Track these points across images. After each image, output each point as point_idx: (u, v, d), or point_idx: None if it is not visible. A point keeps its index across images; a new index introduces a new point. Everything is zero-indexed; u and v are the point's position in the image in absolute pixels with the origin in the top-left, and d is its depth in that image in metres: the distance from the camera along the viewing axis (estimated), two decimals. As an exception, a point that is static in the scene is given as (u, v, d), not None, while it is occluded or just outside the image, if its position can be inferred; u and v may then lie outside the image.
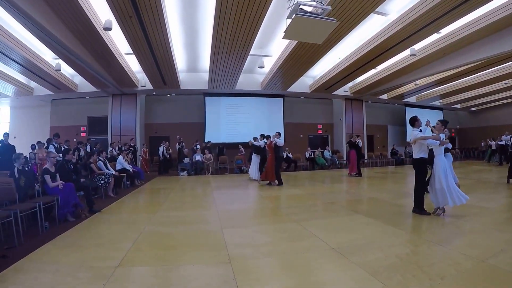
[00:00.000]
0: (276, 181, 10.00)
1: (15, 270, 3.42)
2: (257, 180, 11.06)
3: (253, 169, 11.73)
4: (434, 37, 11.73)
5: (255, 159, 11.66)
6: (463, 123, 26.76)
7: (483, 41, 11.47)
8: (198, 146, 15.13)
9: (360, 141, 13.03)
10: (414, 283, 2.91)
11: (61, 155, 7.70)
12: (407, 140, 6.21)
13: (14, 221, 4.35)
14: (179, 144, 15.11)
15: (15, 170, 5.83)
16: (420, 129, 5.93)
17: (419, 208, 5.60)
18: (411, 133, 5.83)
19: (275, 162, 10.11)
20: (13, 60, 11.48)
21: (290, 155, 16.53)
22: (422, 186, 5.64)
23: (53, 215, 5.60)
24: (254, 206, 7.23)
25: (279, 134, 10.50)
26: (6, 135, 9.45)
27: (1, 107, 18.57)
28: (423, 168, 5.70)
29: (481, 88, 18.94)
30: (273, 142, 10.18)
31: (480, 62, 13.03)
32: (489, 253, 3.56)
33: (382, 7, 9.22)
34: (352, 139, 13.12)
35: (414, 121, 5.93)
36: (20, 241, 4.35)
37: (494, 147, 17.51)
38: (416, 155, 5.72)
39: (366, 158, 19.27)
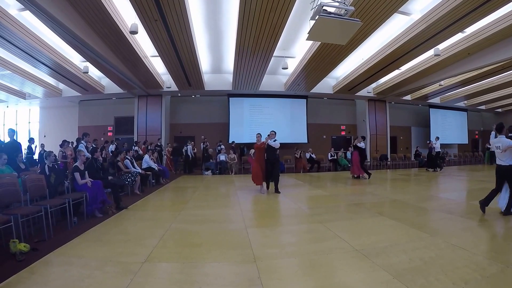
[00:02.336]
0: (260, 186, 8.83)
1: (45, 262, 3.52)
2: None
3: None
4: (458, 36, 11.35)
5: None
6: (487, 125, 25.74)
7: (509, 40, 11.03)
8: (222, 146, 15.25)
9: (363, 143, 12.44)
10: (438, 287, 2.83)
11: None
12: (495, 145, 5.62)
13: (45, 216, 4.51)
14: (203, 144, 15.27)
15: (46, 167, 6.03)
16: (510, 135, 5.70)
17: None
18: (499, 139, 5.60)
19: (263, 165, 8.70)
20: (43, 63, 11.97)
21: (314, 156, 16.42)
22: None
23: (81, 211, 5.76)
24: (278, 206, 7.16)
25: (275, 133, 8.69)
26: (11, 131, 9.25)
27: (31, 108, 19.43)
28: None
29: (507, 88, 18.29)
30: (265, 143, 8.57)
31: (506, 61, 12.48)
32: (514, 259, 3.42)
33: (405, 6, 9.04)
34: (356, 141, 12.52)
35: (502, 128, 5.70)
36: (49, 235, 4.49)
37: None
38: (506, 162, 5.49)
39: (387, 160, 18.88)
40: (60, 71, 12.92)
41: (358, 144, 12.10)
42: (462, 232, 4.59)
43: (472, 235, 4.43)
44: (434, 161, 15.49)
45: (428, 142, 16.64)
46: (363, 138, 12.85)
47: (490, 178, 11.20)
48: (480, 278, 2.97)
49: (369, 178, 11.91)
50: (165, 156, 15.31)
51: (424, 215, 6.00)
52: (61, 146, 10.43)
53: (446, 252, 3.71)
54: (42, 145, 12.23)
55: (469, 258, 3.48)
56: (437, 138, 15.80)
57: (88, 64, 12.65)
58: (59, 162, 8.83)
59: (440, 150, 15.59)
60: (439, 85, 17.24)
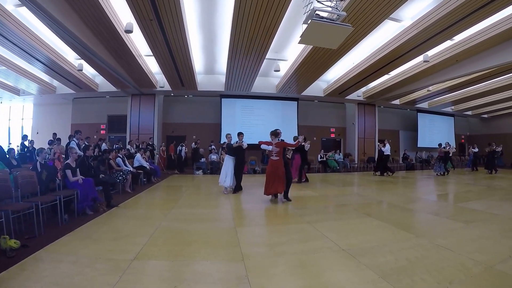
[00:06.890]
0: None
1: (35, 259, 3.56)
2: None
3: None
4: (447, 43, 11.61)
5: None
6: (474, 130, 26.53)
7: (495, 48, 11.34)
8: (213, 147, 15.33)
9: (308, 145, 11.32)
10: (423, 287, 2.92)
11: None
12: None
13: (35, 213, 4.52)
14: (195, 144, 15.33)
15: (38, 164, 6.03)
16: None
17: None
18: None
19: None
20: (38, 60, 11.88)
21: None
22: None
23: (72, 208, 5.76)
24: (267, 206, 7.18)
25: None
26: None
27: (25, 104, 19.28)
28: None
29: (493, 95, 18.73)
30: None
31: (492, 69, 12.82)
32: (497, 259, 3.54)
33: (397, 13, 9.16)
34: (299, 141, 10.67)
35: None
36: (40, 232, 4.51)
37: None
38: None
39: (375, 162, 18.98)
40: (55, 68, 12.84)
41: (307, 146, 11.12)
42: (447, 233, 4.71)
43: (457, 236, 4.55)
44: (383, 164, 14.61)
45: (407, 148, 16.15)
46: (305, 139, 11.10)
47: (476, 181, 11.57)
48: (464, 278, 3.08)
49: (302, 182, 11.30)
50: (157, 156, 15.37)
51: (410, 216, 6.14)
52: (49, 143, 10.41)
53: (432, 252, 3.82)
54: (31, 142, 12.11)
55: (454, 258, 3.59)
56: (389, 140, 15.67)
57: (82, 61, 12.56)
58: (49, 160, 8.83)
59: (389, 154, 14.74)
60: (427, 91, 17.58)
